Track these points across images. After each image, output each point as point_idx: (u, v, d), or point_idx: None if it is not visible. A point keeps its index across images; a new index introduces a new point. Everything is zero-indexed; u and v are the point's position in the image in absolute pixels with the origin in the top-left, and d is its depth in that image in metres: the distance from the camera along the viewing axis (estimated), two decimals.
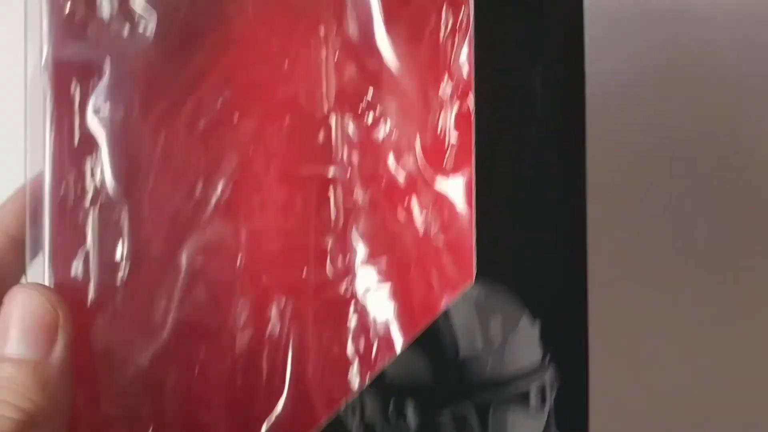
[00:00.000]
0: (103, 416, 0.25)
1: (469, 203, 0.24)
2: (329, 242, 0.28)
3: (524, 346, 0.24)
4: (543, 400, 0.24)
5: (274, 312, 0.27)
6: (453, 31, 0.25)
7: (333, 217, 0.28)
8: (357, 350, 0.28)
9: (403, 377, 0.24)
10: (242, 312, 0.27)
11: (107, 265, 0.24)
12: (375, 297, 0.26)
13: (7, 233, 0.23)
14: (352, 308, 0.27)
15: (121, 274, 0.24)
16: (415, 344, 0.23)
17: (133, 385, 0.25)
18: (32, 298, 0.21)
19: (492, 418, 0.24)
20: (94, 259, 0.24)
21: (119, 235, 0.24)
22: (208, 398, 0.27)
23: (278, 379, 0.27)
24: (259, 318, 0.27)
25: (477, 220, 0.23)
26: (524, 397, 0.24)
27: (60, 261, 0.24)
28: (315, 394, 0.27)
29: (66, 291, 0.24)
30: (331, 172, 0.27)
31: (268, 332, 0.27)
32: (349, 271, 0.27)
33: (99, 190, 0.24)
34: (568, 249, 0.24)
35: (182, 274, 0.26)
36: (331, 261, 0.27)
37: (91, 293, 0.25)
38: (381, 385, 0.24)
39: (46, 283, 0.24)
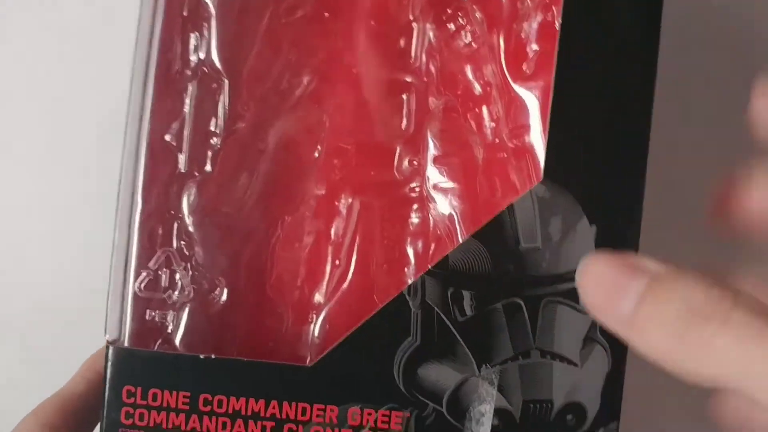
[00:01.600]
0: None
1: (543, 109, 0.26)
2: (398, 146, 0.29)
3: (580, 246, 0.25)
4: None
5: (342, 206, 0.29)
6: None
7: (405, 122, 0.29)
8: (415, 251, 0.29)
9: (464, 264, 0.25)
10: (313, 201, 0.29)
11: (201, 134, 0.26)
12: (439, 197, 0.28)
13: (50, 425, 0.26)
14: (414, 209, 0.29)
15: (213, 143, 0.26)
16: (478, 234, 0.25)
17: (210, 257, 0.27)
18: None
19: (542, 311, 0.26)
20: (188, 128, 0.26)
21: (215, 107, 0.26)
22: (275, 277, 0.28)
23: (341, 269, 0.29)
24: (329, 210, 0.29)
25: (551, 123, 0.25)
26: (574, 294, 0.26)
27: (158, 125, 0.26)
28: (376, 287, 0.29)
29: (159, 155, 0.26)
30: (409, 77, 0.29)
31: (334, 225, 0.29)
32: (414, 174, 0.29)
33: (201, 62, 0.26)
34: (631, 166, 0.26)
35: (266, 153, 0.27)
36: (398, 163, 0.29)
37: (182, 161, 0.26)
38: (442, 270, 0.25)
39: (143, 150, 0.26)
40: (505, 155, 0.28)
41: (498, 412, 0.26)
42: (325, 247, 0.29)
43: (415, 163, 0.29)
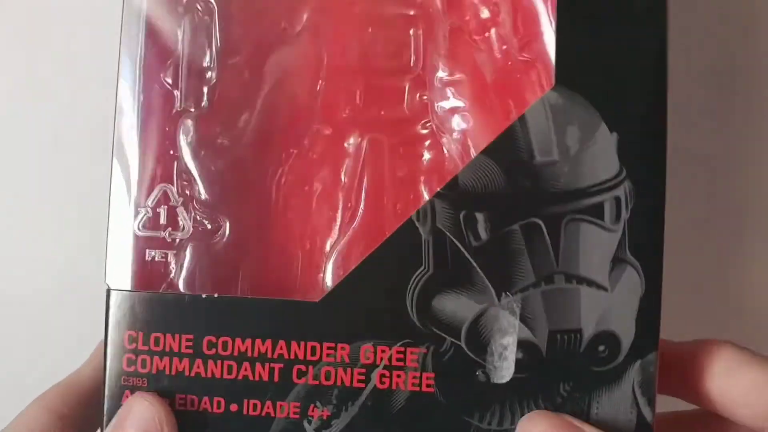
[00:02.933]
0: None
1: (552, 13, 0.24)
2: (407, 83, 0.28)
3: (600, 157, 0.23)
4: (618, 215, 0.24)
5: (351, 147, 0.28)
6: None
7: (413, 58, 0.28)
8: (430, 190, 0.28)
9: (475, 184, 0.24)
10: (319, 141, 0.28)
11: (195, 70, 0.25)
12: (449, 119, 0.27)
13: (54, 410, 0.25)
14: (427, 145, 0.28)
15: (209, 77, 0.25)
16: (489, 149, 0.23)
17: (211, 194, 0.26)
18: (147, 410, 0.23)
19: (564, 231, 0.24)
20: (184, 65, 0.25)
21: (209, 41, 0.25)
22: (285, 222, 0.27)
23: (351, 212, 0.28)
24: (337, 152, 0.28)
25: (559, 25, 0.23)
26: (598, 210, 0.24)
27: (151, 67, 0.25)
28: (388, 229, 0.28)
29: (155, 97, 0.25)
30: (413, 11, 0.28)
31: (344, 168, 0.28)
32: (425, 110, 0.28)
33: None
34: (652, 65, 0.24)
35: (263, 90, 0.26)
36: (409, 100, 0.28)
37: (178, 98, 0.26)
38: (453, 192, 0.24)
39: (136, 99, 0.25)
40: (518, 76, 0.26)
41: (522, 345, 0.24)
42: (335, 192, 0.28)
43: (425, 98, 0.27)
